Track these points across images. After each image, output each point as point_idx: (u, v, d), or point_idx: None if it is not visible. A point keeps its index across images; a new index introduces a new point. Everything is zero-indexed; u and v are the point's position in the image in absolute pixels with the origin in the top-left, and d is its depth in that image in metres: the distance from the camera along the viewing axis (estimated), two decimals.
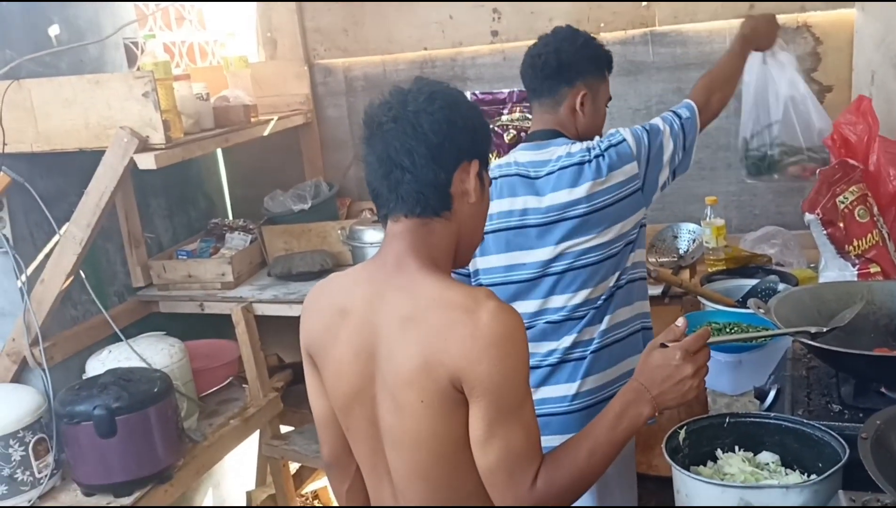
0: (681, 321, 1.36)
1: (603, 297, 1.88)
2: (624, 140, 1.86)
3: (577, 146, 1.87)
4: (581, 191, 1.82)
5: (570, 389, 1.89)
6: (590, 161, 1.83)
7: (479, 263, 1.93)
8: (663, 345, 1.34)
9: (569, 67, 1.89)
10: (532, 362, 1.89)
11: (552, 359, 1.90)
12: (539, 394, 1.90)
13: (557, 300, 1.87)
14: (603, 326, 1.89)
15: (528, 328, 1.88)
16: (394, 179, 1.29)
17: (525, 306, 1.88)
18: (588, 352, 1.89)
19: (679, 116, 1.95)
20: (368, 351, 1.32)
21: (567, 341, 1.88)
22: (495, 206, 1.86)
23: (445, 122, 1.27)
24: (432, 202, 1.30)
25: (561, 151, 1.88)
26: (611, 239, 1.84)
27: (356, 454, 1.44)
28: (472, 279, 1.95)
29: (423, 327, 1.25)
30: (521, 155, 1.92)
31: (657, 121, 1.93)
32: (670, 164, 1.91)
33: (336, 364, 1.38)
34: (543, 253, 1.85)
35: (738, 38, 2.21)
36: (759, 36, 2.22)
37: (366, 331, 1.33)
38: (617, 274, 1.88)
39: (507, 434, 1.24)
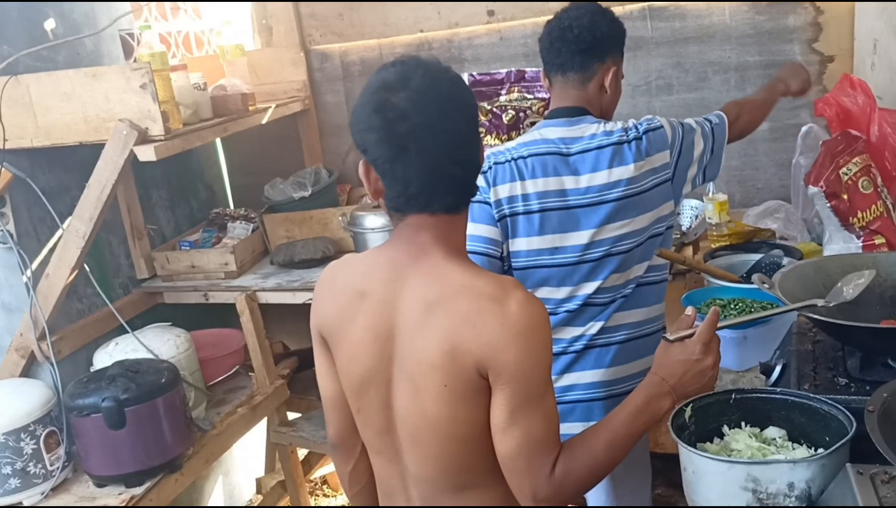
0: (690, 310, 1.38)
1: (632, 285, 1.84)
2: (662, 127, 1.84)
3: (612, 125, 1.83)
4: (620, 173, 1.78)
5: (595, 376, 1.86)
6: (629, 142, 1.80)
7: (510, 246, 1.85)
8: (665, 338, 1.35)
9: (603, 43, 1.85)
10: (556, 348, 1.85)
11: (578, 345, 1.85)
12: (564, 381, 1.87)
13: (589, 287, 1.82)
14: (635, 318, 1.86)
15: (553, 314, 1.84)
16: (445, 184, 1.27)
17: (556, 293, 1.83)
18: (614, 340, 1.85)
19: (710, 121, 1.96)
20: (387, 334, 1.32)
21: (595, 327, 1.84)
22: (530, 186, 1.80)
23: (470, 113, 1.27)
24: (471, 195, 1.32)
25: (594, 128, 1.82)
26: (643, 227, 1.81)
27: (365, 435, 1.45)
28: (503, 264, 1.88)
29: (450, 313, 1.25)
30: (550, 131, 1.85)
31: (689, 120, 1.93)
32: (699, 162, 1.90)
33: (351, 346, 1.37)
34: (583, 236, 1.80)
35: (771, 80, 2.26)
36: (789, 79, 2.22)
37: (385, 313, 1.32)
38: (645, 265, 1.85)
39: (528, 422, 1.25)
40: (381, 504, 1.50)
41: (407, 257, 1.32)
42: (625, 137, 1.80)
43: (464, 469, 1.34)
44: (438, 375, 1.26)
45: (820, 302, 1.43)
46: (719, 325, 1.36)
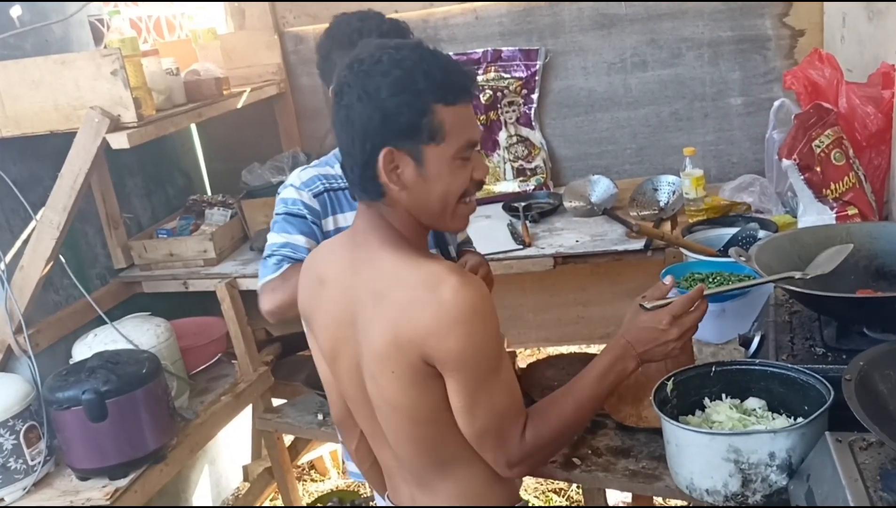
0: (668, 280, 1.40)
1: None
2: None
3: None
4: None
5: None
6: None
7: None
8: (642, 305, 1.36)
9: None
10: None
11: None
12: None
13: None
14: None
15: None
16: (344, 166, 1.31)
17: None
18: None
19: None
20: (349, 320, 1.35)
21: None
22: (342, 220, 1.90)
23: (367, 107, 1.22)
24: (368, 189, 1.28)
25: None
26: None
27: (356, 418, 1.48)
28: None
29: (389, 304, 1.27)
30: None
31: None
32: None
33: (321, 332, 1.42)
34: None
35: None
36: None
37: (344, 301, 1.35)
38: None
39: (489, 399, 1.27)
40: (386, 485, 1.56)
41: (352, 245, 1.35)
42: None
43: (439, 447, 1.36)
44: (386, 363, 1.29)
45: (798, 274, 1.44)
46: (708, 292, 1.39)
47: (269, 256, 1.91)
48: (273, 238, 1.92)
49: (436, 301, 1.22)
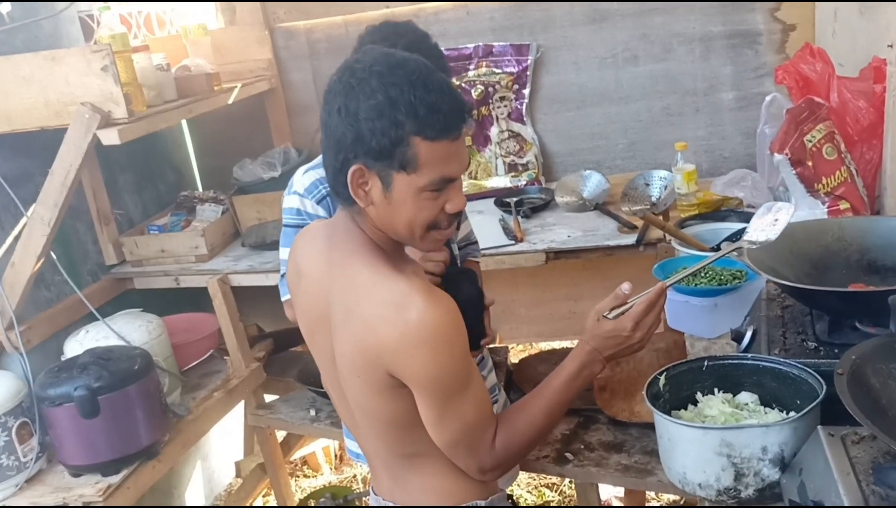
0: (626, 287, 1.41)
1: None
2: None
3: None
4: None
5: None
6: None
7: None
8: (604, 316, 1.39)
9: None
10: None
11: None
12: None
13: None
14: None
15: None
16: (324, 164, 1.30)
17: None
18: None
19: None
20: (324, 316, 1.37)
21: None
22: None
23: (344, 122, 1.20)
24: (341, 193, 1.28)
25: None
26: None
27: (335, 404, 1.52)
28: None
29: (357, 318, 1.28)
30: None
31: None
32: None
33: (301, 315, 1.45)
34: None
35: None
36: None
37: (320, 297, 1.36)
38: None
39: (458, 413, 1.29)
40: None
41: (330, 243, 1.36)
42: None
43: (407, 444, 1.39)
44: (354, 369, 1.31)
45: (745, 244, 1.47)
46: (668, 283, 1.41)
47: (284, 274, 1.92)
48: (283, 254, 1.93)
49: (402, 321, 1.22)
